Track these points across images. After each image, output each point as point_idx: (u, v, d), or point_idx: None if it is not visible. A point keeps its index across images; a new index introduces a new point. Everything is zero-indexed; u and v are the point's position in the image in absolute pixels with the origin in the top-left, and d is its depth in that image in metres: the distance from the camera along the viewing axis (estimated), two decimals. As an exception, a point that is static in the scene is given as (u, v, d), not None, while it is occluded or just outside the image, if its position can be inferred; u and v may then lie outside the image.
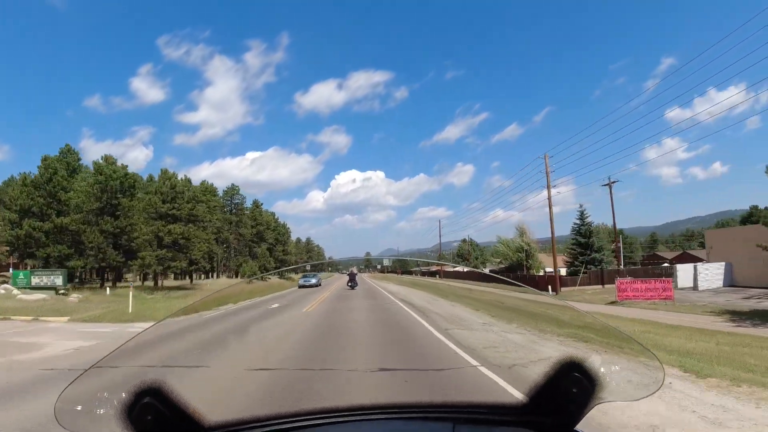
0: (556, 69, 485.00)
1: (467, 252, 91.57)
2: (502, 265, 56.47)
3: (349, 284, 33.33)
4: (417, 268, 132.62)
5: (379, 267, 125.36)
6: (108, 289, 38.36)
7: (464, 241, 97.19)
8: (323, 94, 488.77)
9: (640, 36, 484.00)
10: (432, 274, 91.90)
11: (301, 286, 35.99)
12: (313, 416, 1.46)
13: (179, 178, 44.54)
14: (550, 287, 37.01)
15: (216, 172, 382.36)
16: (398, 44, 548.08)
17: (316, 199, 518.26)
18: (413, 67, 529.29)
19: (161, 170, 44.06)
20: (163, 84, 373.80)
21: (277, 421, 1.41)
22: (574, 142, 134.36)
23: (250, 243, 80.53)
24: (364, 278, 62.03)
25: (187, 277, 60.03)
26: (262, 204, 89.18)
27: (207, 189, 76.49)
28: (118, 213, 42.97)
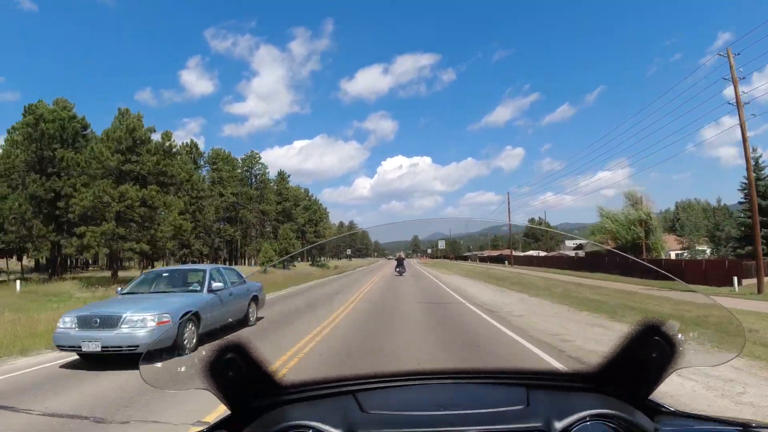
0: (608, 46, 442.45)
1: (541, 233, 74.78)
2: (610, 246, 39.86)
3: (397, 269, 29.46)
4: (470, 254, 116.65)
5: (429, 252, 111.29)
6: (19, 283, 25.15)
7: (532, 220, 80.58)
8: (369, 80, 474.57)
9: (695, 9, 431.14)
10: (496, 260, 75.95)
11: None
12: (386, 378, 1.43)
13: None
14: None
15: (264, 162, 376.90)
16: (444, 25, 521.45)
17: (363, 186, 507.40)
18: (460, 48, 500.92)
19: (118, 110, 30.04)
20: (212, 76, 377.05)
21: (351, 382, 1.38)
22: (633, 124, 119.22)
23: (274, 222, 67.06)
24: (414, 265, 47.62)
25: (179, 263, 46.67)
26: (289, 176, 75.31)
27: (219, 155, 63.15)
28: (54, 170, 29.64)
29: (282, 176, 73.84)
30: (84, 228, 26.60)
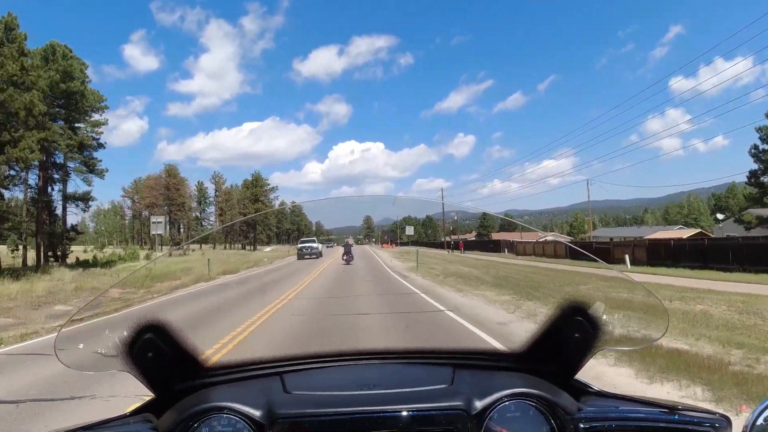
0: (562, 34, 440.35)
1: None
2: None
3: (344, 257, 27.47)
4: (454, 238, 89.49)
5: (411, 233, 75.47)
6: None
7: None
8: (323, 61, 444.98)
9: (648, 0, 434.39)
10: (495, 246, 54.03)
11: None
12: (317, 359, 1.40)
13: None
14: None
15: (211, 144, 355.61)
16: (404, 7, 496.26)
17: (314, 170, 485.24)
18: (419, 31, 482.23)
19: None
20: (157, 51, 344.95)
21: (277, 363, 1.33)
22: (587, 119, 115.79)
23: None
24: (385, 258, 37.26)
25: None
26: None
27: None
28: None
29: None
30: None
